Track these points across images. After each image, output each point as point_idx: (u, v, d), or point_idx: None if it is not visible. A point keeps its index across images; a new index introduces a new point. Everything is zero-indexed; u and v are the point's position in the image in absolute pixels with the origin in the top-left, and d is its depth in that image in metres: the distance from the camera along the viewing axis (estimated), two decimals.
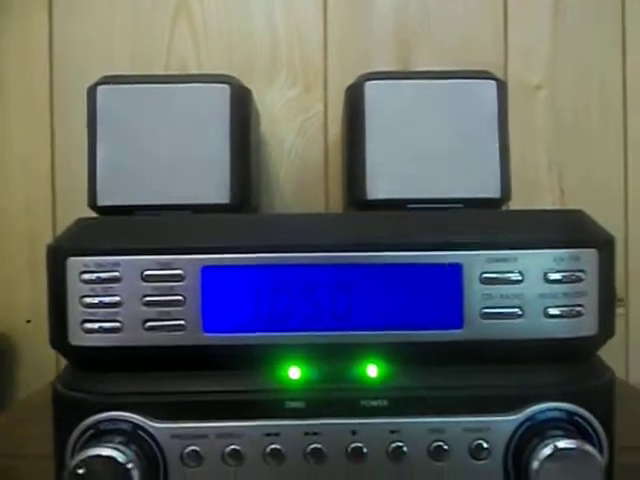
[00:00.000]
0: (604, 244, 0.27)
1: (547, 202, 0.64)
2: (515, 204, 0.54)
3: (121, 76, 0.52)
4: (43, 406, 0.40)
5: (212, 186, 0.51)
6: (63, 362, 0.64)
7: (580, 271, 0.26)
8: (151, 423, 0.27)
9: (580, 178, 0.64)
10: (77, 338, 0.27)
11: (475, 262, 0.26)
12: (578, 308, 0.27)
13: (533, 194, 0.64)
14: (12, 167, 0.63)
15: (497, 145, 0.51)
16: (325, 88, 0.64)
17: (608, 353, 0.30)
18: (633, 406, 0.34)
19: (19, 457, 0.36)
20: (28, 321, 0.64)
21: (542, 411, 0.27)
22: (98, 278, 0.27)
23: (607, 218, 0.33)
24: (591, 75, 0.63)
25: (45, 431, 0.30)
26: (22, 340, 0.64)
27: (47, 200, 0.63)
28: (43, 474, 0.32)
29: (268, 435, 0.27)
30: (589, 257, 0.26)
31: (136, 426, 0.27)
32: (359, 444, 0.27)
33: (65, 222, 0.62)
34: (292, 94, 0.64)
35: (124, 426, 0.27)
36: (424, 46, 0.64)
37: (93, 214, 0.51)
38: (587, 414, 0.27)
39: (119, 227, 0.28)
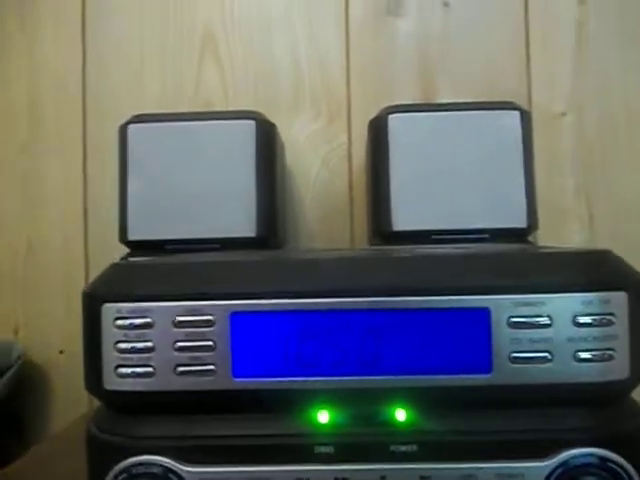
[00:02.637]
0: (634, 286, 0.27)
1: (575, 229, 0.63)
2: (543, 231, 0.54)
3: (151, 114, 0.54)
4: (77, 440, 0.41)
5: (239, 220, 0.52)
6: None
7: (610, 314, 0.26)
8: (182, 467, 0.27)
9: (608, 203, 0.63)
10: (111, 383, 0.28)
11: (503, 306, 0.26)
12: (609, 352, 0.26)
13: (561, 221, 0.63)
14: (48, 203, 0.65)
15: (522, 175, 0.51)
16: (349, 119, 0.65)
17: None
18: None
19: None
20: (61, 352, 0.65)
21: (575, 457, 0.26)
22: (131, 324, 0.27)
23: (637, 243, 0.33)
24: (616, 100, 0.63)
25: (78, 467, 0.31)
26: (55, 371, 0.66)
27: (80, 234, 0.65)
28: None
29: None
30: (619, 300, 0.26)
31: (167, 470, 0.27)
32: None
33: (97, 256, 0.65)
34: (316, 126, 0.65)
35: (156, 470, 0.27)
36: (447, 76, 0.64)
37: (124, 249, 0.53)
38: (621, 459, 0.26)
39: (152, 272, 0.28)
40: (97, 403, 0.62)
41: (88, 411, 0.59)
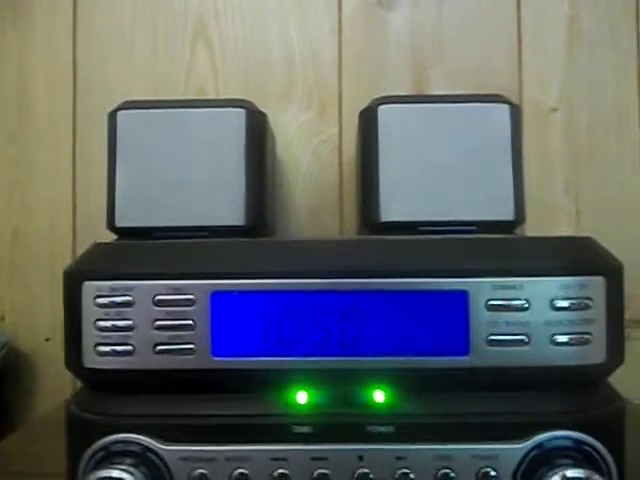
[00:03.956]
0: (612, 271, 0.27)
1: (563, 224, 0.64)
2: (531, 226, 0.54)
3: (141, 101, 0.54)
4: (57, 424, 0.41)
5: (228, 208, 0.52)
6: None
7: (587, 298, 0.26)
8: (161, 445, 0.27)
9: (596, 199, 0.63)
10: (91, 360, 0.28)
11: (481, 289, 0.26)
12: (586, 336, 0.26)
13: (549, 216, 0.63)
14: (35, 189, 0.65)
15: (510, 168, 0.51)
16: (340, 111, 0.65)
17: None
18: None
19: (32, 475, 0.37)
20: (47, 339, 0.65)
21: (550, 439, 0.26)
22: (112, 302, 0.27)
23: (624, 239, 0.33)
24: (606, 96, 0.63)
25: (59, 450, 0.31)
26: (41, 358, 0.65)
27: (68, 222, 0.65)
28: None
29: (275, 459, 0.27)
30: (596, 285, 0.26)
31: (146, 448, 0.27)
32: (366, 470, 0.27)
33: (85, 243, 0.64)
34: (307, 117, 0.65)
35: (134, 448, 0.27)
36: (439, 69, 0.64)
37: (111, 235, 0.53)
38: (596, 443, 0.26)
39: (133, 252, 0.29)
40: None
41: (70, 397, 0.59)
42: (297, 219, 0.65)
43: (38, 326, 0.65)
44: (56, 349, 0.64)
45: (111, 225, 0.52)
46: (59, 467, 0.31)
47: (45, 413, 0.52)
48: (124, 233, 0.53)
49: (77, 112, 0.65)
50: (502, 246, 0.28)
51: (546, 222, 0.63)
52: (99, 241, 0.31)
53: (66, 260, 0.65)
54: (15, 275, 0.65)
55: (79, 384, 0.62)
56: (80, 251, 0.63)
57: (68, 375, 0.63)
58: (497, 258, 0.27)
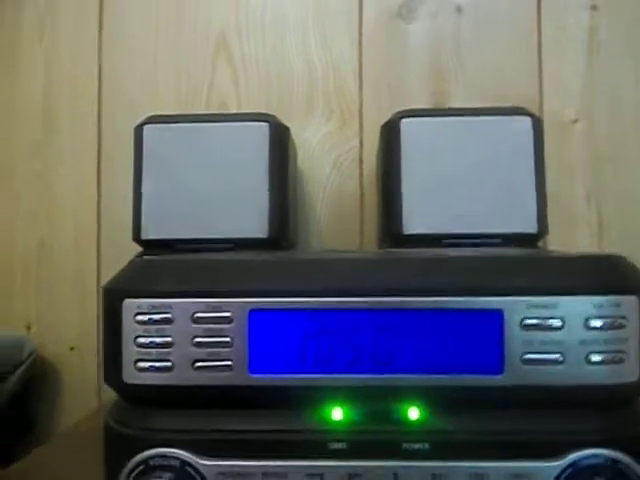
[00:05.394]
0: None
1: (585, 235, 0.64)
2: (553, 237, 0.54)
3: (166, 116, 0.55)
4: (89, 435, 0.41)
5: (251, 221, 0.53)
6: (105, 390, 0.66)
7: (621, 317, 0.27)
8: (199, 460, 0.28)
9: (618, 210, 0.63)
10: (130, 376, 0.28)
11: (516, 308, 0.27)
12: (620, 354, 0.27)
13: (571, 227, 0.64)
14: (61, 201, 0.66)
15: (533, 180, 0.52)
16: (360, 123, 0.65)
17: None
18: None
19: None
20: (72, 348, 0.66)
21: (585, 457, 0.27)
22: (150, 320, 0.28)
23: None
24: (626, 107, 0.63)
25: (90, 462, 0.31)
26: (65, 367, 0.66)
27: (93, 234, 0.66)
28: None
29: (311, 475, 0.27)
30: (630, 303, 0.27)
31: (184, 463, 0.28)
32: None
33: (109, 255, 0.66)
34: (328, 129, 0.66)
35: (173, 462, 0.28)
36: (458, 82, 0.65)
37: (136, 247, 0.53)
38: (630, 461, 0.27)
39: (171, 269, 0.29)
40: (106, 400, 0.62)
41: (97, 408, 0.60)
42: (318, 231, 0.66)
43: (63, 336, 0.66)
44: (81, 358, 0.65)
45: (137, 237, 0.53)
46: (89, 478, 0.32)
47: (74, 424, 0.53)
48: (149, 245, 0.54)
49: (102, 127, 0.66)
50: (535, 264, 0.28)
51: (568, 234, 0.63)
52: (136, 258, 0.31)
53: (91, 271, 0.66)
54: (41, 286, 0.66)
55: (104, 394, 0.63)
56: (104, 263, 0.65)
57: (92, 384, 0.64)
58: (531, 276, 0.27)
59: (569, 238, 0.63)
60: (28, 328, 0.66)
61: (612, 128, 0.63)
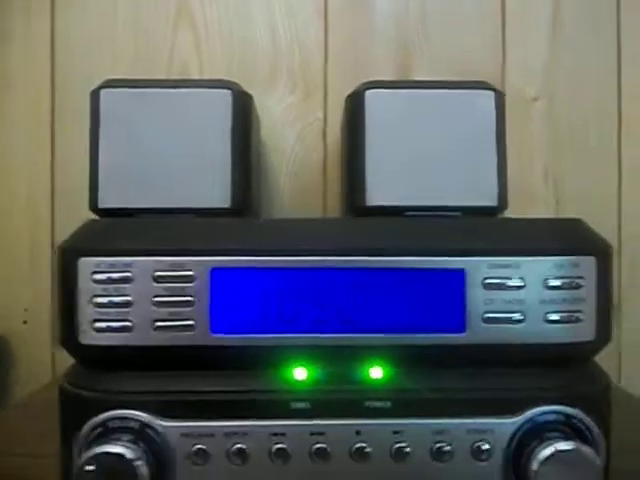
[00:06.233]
0: (602, 252, 0.28)
1: (541, 212, 0.65)
2: (510, 214, 0.55)
3: (124, 80, 0.53)
4: (43, 406, 0.40)
5: (213, 190, 0.51)
6: (59, 363, 0.65)
7: (579, 278, 0.27)
8: (159, 422, 0.27)
9: (575, 189, 0.65)
10: (87, 337, 0.27)
11: (478, 268, 0.27)
12: (577, 314, 0.27)
13: (528, 204, 0.65)
14: (13, 168, 0.63)
15: (495, 154, 0.52)
16: (325, 95, 0.65)
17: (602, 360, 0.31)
18: (626, 410, 0.35)
19: (21, 455, 0.36)
20: (25, 322, 0.64)
21: (541, 414, 0.27)
22: (109, 278, 0.27)
23: (600, 229, 0.34)
24: (587, 87, 0.64)
25: (46, 429, 0.30)
26: (18, 341, 0.64)
27: (46, 202, 0.63)
28: (45, 472, 0.32)
29: (274, 435, 0.27)
30: (588, 264, 0.27)
31: (144, 424, 0.27)
32: (363, 444, 0.27)
33: (64, 224, 0.63)
34: (292, 100, 0.65)
35: (132, 424, 0.27)
36: (423, 56, 0.65)
37: (92, 216, 0.52)
38: (585, 417, 0.27)
39: (130, 228, 0.28)
40: (60, 373, 0.60)
41: (51, 381, 0.58)
42: (281, 202, 0.65)
43: (15, 309, 0.64)
44: (34, 332, 0.63)
45: (94, 206, 0.51)
46: (48, 447, 0.31)
47: (27, 396, 0.51)
48: (107, 214, 0.52)
49: (55, 89, 0.63)
50: (498, 226, 0.29)
51: (525, 210, 0.64)
52: (93, 218, 0.30)
53: (44, 242, 0.64)
54: None
55: (58, 367, 0.61)
56: (59, 232, 0.63)
57: (46, 358, 0.62)
58: (493, 238, 0.27)
59: (526, 214, 0.63)
60: None
61: (572, 108, 0.64)
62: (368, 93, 0.53)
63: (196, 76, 0.64)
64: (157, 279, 0.27)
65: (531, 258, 0.27)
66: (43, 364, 0.63)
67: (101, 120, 0.51)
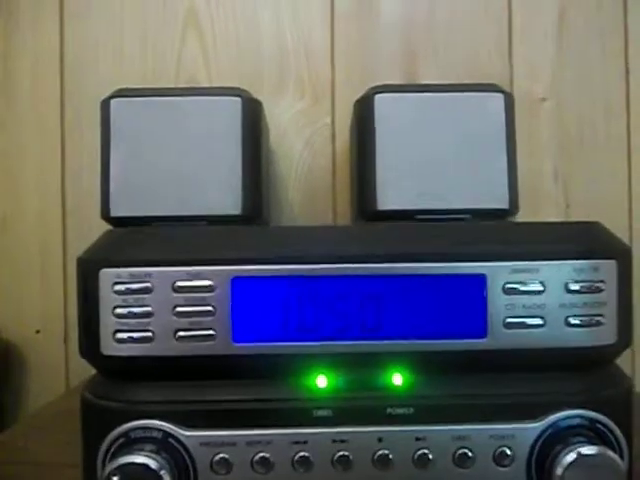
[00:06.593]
0: (622, 255, 0.28)
1: (551, 213, 0.65)
2: (521, 216, 0.55)
3: (134, 89, 0.53)
4: (58, 416, 0.40)
5: (224, 197, 0.52)
6: (72, 374, 0.65)
7: (600, 281, 0.27)
8: (181, 431, 0.27)
9: (585, 190, 0.64)
10: (108, 348, 0.27)
11: (498, 273, 0.27)
12: (598, 317, 0.27)
13: (538, 205, 0.65)
14: (24, 178, 0.64)
15: (505, 157, 0.52)
16: (333, 100, 0.65)
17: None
18: None
19: (37, 464, 0.36)
20: (37, 331, 0.64)
21: (564, 418, 0.27)
22: (129, 289, 0.27)
23: (611, 229, 0.34)
24: (595, 87, 0.64)
25: (64, 440, 0.31)
26: (31, 351, 0.64)
27: (57, 211, 0.64)
28: None
29: (296, 443, 0.27)
30: (608, 268, 0.27)
31: (167, 434, 0.27)
32: (385, 451, 0.27)
33: (75, 233, 0.63)
34: (300, 106, 0.65)
35: (155, 434, 0.27)
36: (430, 60, 0.65)
37: (104, 225, 0.52)
38: (608, 420, 0.27)
39: (149, 238, 0.28)
40: (74, 383, 0.60)
41: (65, 392, 0.58)
42: (290, 208, 0.65)
43: (28, 318, 0.64)
44: (47, 341, 0.63)
45: (105, 214, 0.51)
46: (65, 456, 0.31)
47: (42, 407, 0.51)
48: (119, 223, 0.52)
49: (65, 100, 0.64)
50: (516, 230, 0.28)
51: (535, 212, 0.64)
52: (112, 229, 0.30)
53: (56, 251, 0.64)
54: (3, 265, 0.64)
55: (72, 377, 0.61)
56: (70, 241, 0.63)
57: (59, 368, 0.63)
58: (513, 242, 0.27)
59: (537, 216, 0.64)
60: None
61: (580, 108, 0.64)
62: (377, 97, 0.53)
63: (204, 84, 0.64)
64: (177, 289, 0.27)
65: (552, 262, 0.27)
66: (56, 373, 0.63)
67: (112, 129, 0.51)
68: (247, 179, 0.51)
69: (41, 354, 0.64)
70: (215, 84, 0.64)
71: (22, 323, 0.64)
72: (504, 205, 0.52)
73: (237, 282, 0.27)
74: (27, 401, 0.64)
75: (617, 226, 0.63)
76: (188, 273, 0.27)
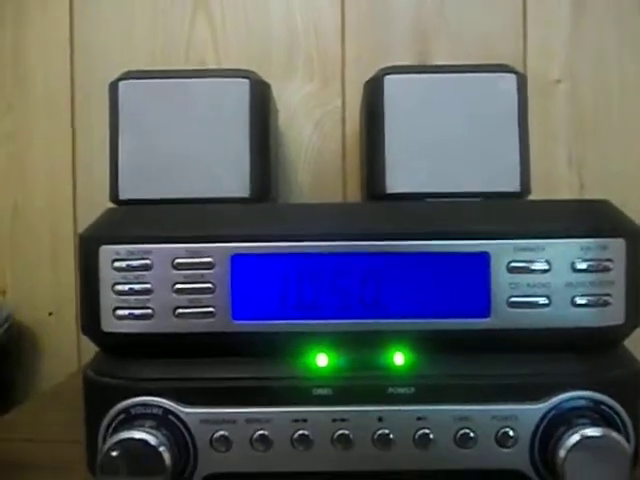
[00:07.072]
0: (631, 234, 0.27)
1: (566, 196, 0.64)
2: (534, 198, 0.54)
3: (143, 71, 0.53)
4: (68, 395, 0.41)
5: (233, 180, 0.51)
6: (85, 354, 0.65)
7: (608, 260, 0.26)
8: (181, 408, 0.27)
9: (599, 172, 0.63)
10: (109, 325, 0.27)
11: (503, 251, 0.26)
12: (605, 297, 0.27)
13: (552, 188, 0.63)
14: (34, 161, 0.64)
15: (517, 139, 0.51)
16: (343, 82, 0.64)
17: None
18: None
19: (47, 442, 0.37)
20: (50, 313, 0.65)
21: (568, 399, 0.27)
22: (129, 266, 0.27)
23: (625, 211, 0.33)
24: (610, 68, 0.63)
25: (70, 417, 0.31)
26: (44, 332, 0.65)
27: (68, 194, 0.64)
28: (73, 457, 0.32)
29: (296, 421, 0.27)
30: (616, 246, 0.27)
31: (167, 411, 0.27)
32: (386, 431, 0.27)
33: (86, 216, 0.64)
34: (310, 88, 0.64)
35: (155, 411, 0.27)
36: (442, 40, 0.63)
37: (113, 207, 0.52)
38: (613, 402, 0.27)
39: (150, 216, 0.28)
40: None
41: (76, 370, 0.59)
42: (300, 191, 0.65)
43: (40, 300, 0.65)
44: (59, 323, 0.64)
45: (114, 197, 0.51)
46: (74, 434, 0.31)
47: (53, 386, 0.52)
48: (128, 205, 0.52)
49: (75, 82, 0.64)
50: (522, 209, 0.28)
51: (549, 194, 0.63)
52: (113, 206, 0.30)
53: (67, 234, 0.65)
54: (15, 249, 0.64)
55: (84, 358, 0.61)
56: (81, 225, 0.63)
57: (72, 349, 0.63)
58: (518, 220, 0.27)
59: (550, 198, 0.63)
60: (3, 293, 0.65)
61: (596, 90, 0.63)
62: (387, 79, 0.52)
63: (213, 66, 0.64)
64: (177, 266, 0.27)
65: (557, 240, 0.26)
66: (69, 355, 0.64)
67: (120, 112, 0.51)
68: (255, 161, 0.51)
69: (54, 336, 0.65)
70: (224, 66, 0.63)
71: (35, 306, 0.65)
72: (515, 188, 0.51)
73: (237, 259, 0.27)
74: (40, 383, 0.65)
75: (633, 208, 0.62)
76: (188, 250, 0.27)
